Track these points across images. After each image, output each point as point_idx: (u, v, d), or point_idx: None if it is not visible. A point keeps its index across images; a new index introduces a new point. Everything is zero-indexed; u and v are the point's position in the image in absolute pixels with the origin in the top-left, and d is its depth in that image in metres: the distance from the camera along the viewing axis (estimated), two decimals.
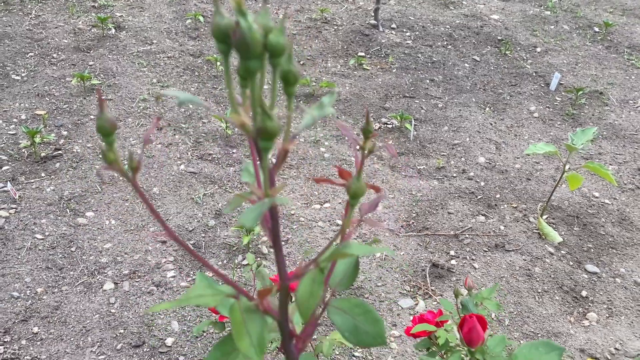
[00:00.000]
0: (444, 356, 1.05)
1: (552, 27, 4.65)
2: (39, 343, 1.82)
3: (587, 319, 2.03)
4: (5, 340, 1.82)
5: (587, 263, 2.27)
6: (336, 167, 0.59)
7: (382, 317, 1.97)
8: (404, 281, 2.13)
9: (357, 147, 0.57)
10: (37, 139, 2.68)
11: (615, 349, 1.91)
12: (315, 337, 1.81)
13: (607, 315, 2.05)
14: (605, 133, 3.26)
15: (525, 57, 4.11)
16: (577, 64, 4.07)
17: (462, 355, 0.96)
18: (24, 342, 1.82)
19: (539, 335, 1.94)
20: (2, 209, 2.34)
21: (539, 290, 2.11)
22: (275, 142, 0.49)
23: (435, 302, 2.03)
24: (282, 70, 0.49)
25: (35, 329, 1.86)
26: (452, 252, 2.25)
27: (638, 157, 3.03)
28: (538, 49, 4.22)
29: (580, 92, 3.51)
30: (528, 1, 5.17)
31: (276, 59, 0.47)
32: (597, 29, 4.64)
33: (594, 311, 2.06)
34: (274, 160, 0.57)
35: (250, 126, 0.49)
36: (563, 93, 3.66)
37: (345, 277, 0.63)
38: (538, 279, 2.16)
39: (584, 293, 2.13)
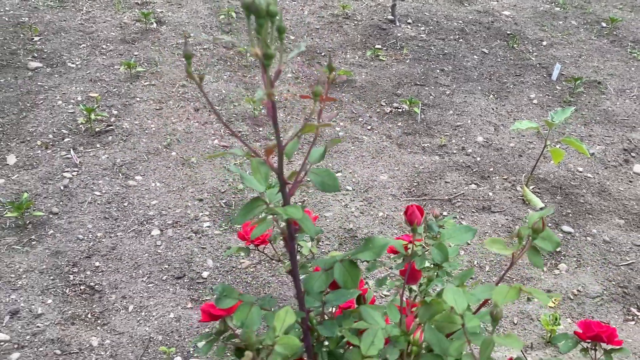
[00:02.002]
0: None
1: (561, 22, 4.94)
2: (100, 274, 2.25)
3: (557, 269, 2.37)
4: (74, 270, 2.26)
5: (564, 224, 2.61)
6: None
7: (383, 259, 2.34)
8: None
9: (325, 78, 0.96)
10: (93, 116, 3.13)
11: (578, 290, 2.25)
12: None
13: (576, 266, 2.39)
14: (598, 118, 3.57)
15: (531, 50, 4.42)
16: (581, 57, 4.37)
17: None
18: (88, 272, 2.26)
19: (515, 280, 2.30)
20: (66, 171, 2.80)
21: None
22: (272, 62, 0.88)
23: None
24: (277, 25, 0.88)
25: (97, 264, 2.30)
26: (444, 213, 2.62)
27: (625, 139, 3.34)
28: (544, 43, 4.52)
29: (579, 82, 3.82)
30: None
31: (272, 18, 0.85)
32: (604, 24, 4.91)
33: (565, 263, 2.40)
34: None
35: (260, 54, 0.88)
36: (563, 83, 3.97)
37: (317, 157, 1.02)
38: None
39: (557, 249, 2.47)
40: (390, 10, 4.87)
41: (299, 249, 1.82)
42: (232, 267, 2.29)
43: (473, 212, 2.63)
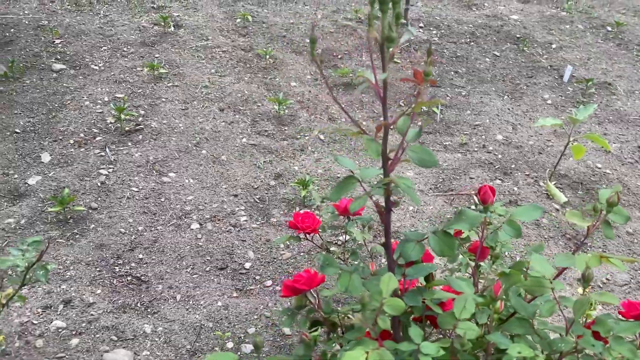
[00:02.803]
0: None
1: (568, 26, 5.07)
2: (144, 265, 2.32)
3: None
4: (119, 262, 2.32)
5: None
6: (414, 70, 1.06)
7: None
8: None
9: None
10: (123, 116, 3.20)
11: (607, 279, 2.34)
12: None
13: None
14: (611, 118, 3.68)
15: (541, 53, 4.53)
16: (589, 59, 4.49)
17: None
18: (133, 264, 2.32)
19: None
20: (102, 168, 2.86)
21: (546, 237, 2.55)
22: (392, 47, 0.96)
23: None
24: (396, 11, 0.96)
25: (140, 256, 2.36)
26: (472, 207, 2.70)
27: (639, 137, 3.45)
28: (553, 46, 4.64)
29: (590, 83, 3.93)
30: (545, 3, 5.59)
31: (396, 4, 0.93)
32: (609, 28, 5.04)
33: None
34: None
35: (378, 37, 0.96)
36: (575, 84, 4.08)
37: (414, 137, 1.10)
38: (545, 228, 2.60)
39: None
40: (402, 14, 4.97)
41: (350, 237, 1.90)
42: (273, 259, 2.36)
43: (501, 206, 2.71)
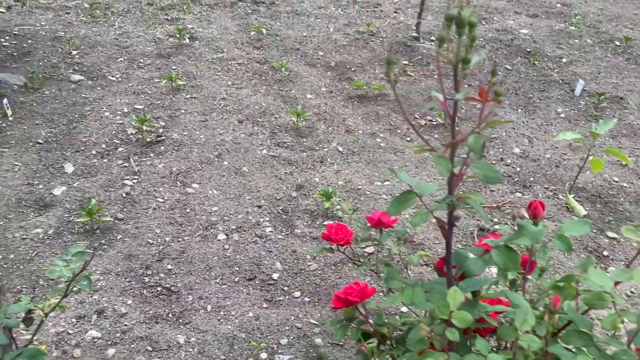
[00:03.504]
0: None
1: (577, 40, 5.13)
2: (173, 276, 2.34)
3: (607, 273, 2.49)
4: (148, 273, 2.34)
5: (608, 230, 2.73)
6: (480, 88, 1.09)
7: (428, 261, 2.45)
8: (456, 241, 2.62)
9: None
10: (144, 127, 3.23)
11: (631, 292, 2.37)
12: None
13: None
14: (624, 131, 3.72)
15: (552, 67, 4.59)
16: (600, 73, 4.54)
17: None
18: (162, 275, 2.34)
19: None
20: (126, 179, 2.89)
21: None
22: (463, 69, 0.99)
23: None
24: (471, 34, 0.99)
25: (169, 266, 2.38)
26: (495, 220, 2.74)
27: None
28: (564, 60, 4.70)
29: (602, 97, 3.98)
30: (554, 17, 5.66)
31: (471, 28, 0.97)
32: (617, 43, 5.10)
33: (613, 266, 2.52)
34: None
35: (455, 59, 0.99)
36: (586, 98, 4.12)
37: (478, 150, 1.13)
38: None
39: (605, 253, 2.59)
40: (413, 27, 5.03)
41: (385, 249, 1.92)
42: (300, 270, 2.39)
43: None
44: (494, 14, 5.67)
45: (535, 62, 4.62)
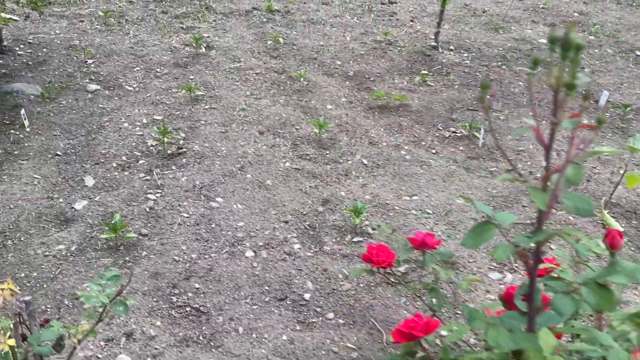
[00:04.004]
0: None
1: (597, 50, 5.06)
2: (202, 295, 2.26)
3: None
4: (175, 292, 2.26)
5: None
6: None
7: (476, 285, 2.37)
8: (491, 259, 2.53)
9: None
10: (166, 139, 3.16)
11: None
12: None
13: None
14: None
15: None
16: (622, 84, 4.46)
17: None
18: (190, 294, 2.26)
19: None
20: (150, 193, 2.81)
21: None
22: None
23: (520, 276, 2.43)
24: (574, 58, 0.92)
25: (197, 285, 2.30)
26: None
27: None
28: (586, 70, 4.62)
29: (628, 108, 3.90)
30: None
31: (578, 51, 0.89)
32: (638, 53, 5.03)
33: None
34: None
35: (559, 83, 0.92)
36: (611, 109, 4.05)
37: (574, 180, 1.04)
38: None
39: None
40: (431, 37, 4.97)
41: (431, 274, 1.84)
42: (333, 290, 2.30)
43: None
44: (511, 23, 5.61)
45: None
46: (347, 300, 2.26)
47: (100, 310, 1.56)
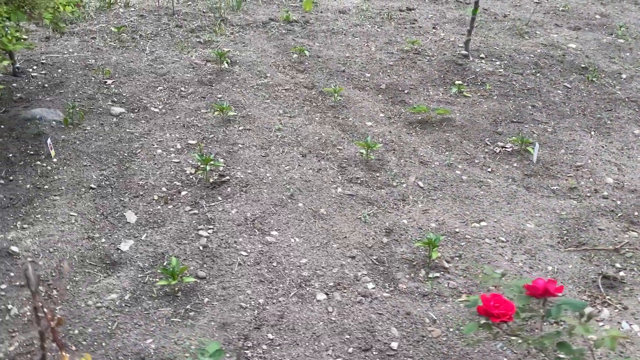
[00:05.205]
0: None
1: (628, 54, 4.91)
2: (277, 347, 2.04)
3: None
4: (249, 345, 2.04)
5: None
6: None
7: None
8: (579, 291, 2.34)
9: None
10: (208, 167, 2.93)
11: None
12: None
13: None
14: None
15: (612, 83, 4.35)
16: None
17: None
18: (264, 346, 2.04)
19: None
20: (201, 229, 2.59)
21: None
22: None
23: (616, 310, 2.24)
24: None
25: (270, 335, 2.08)
26: (617, 265, 2.47)
27: None
28: (623, 76, 4.47)
29: None
30: (597, 30, 5.44)
31: None
32: None
33: None
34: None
35: None
36: None
37: None
38: None
39: None
40: (460, 45, 4.79)
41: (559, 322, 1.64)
42: (422, 337, 2.10)
43: None
44: (535, 28, 5.45)
45: (594, 79, 4.39)
46: (439, 349, 2.05)
47: None
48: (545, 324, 2.04)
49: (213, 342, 1.62)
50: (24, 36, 3.94)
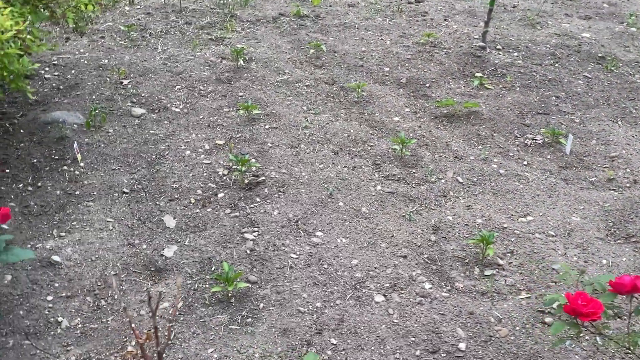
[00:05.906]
0: None
1: None
2: (342, 353, 1.98)
3: None
4: (312, 351, 1.97)
5: None
6: None
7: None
8: None
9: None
10: (244, 168, 2.85)
11: None
12: None
13: None
14: None
15: (631, 72, 4.33)
16: None
17: None
18: (329, 352, 1.97)
19: None
20: (245, 232, 2.51)
21: None
22: None
23: None
24: None
25: (333, 340, 2.02)
26: None
27: None
28: None
29: None
30: (607, 19, 5.43)
31: None
32: None
33: None
34: None
35: None
36: None
37: None
38: None
39: None
40: (476, 37, 4.74)
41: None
42: (489, 336, 2.05)
43: None
44: (546, 18, 5.42)
45: (612, 69, 4.36)
46: (508, 348, 2.00)
47: None
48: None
49: (310, 353, 1.55)
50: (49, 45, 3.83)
